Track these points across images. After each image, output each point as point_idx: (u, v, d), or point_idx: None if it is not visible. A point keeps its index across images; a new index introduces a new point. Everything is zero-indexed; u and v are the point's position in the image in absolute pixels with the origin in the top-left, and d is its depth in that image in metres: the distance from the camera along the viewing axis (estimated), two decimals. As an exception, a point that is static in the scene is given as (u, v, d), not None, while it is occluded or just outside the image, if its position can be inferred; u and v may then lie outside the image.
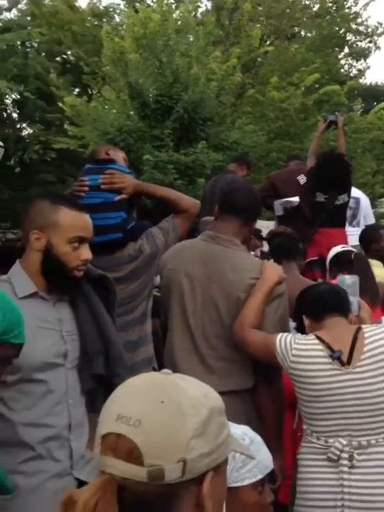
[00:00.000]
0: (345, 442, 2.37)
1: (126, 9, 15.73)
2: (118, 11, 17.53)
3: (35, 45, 16.49)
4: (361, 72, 19.37)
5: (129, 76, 10.74)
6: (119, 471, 0.95)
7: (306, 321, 2.62)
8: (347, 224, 5.50)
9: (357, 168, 10.96)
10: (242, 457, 1.65)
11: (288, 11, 16.30)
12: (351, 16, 17.28)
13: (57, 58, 17.06)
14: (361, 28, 18.56)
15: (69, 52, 16.76)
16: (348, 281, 2.91)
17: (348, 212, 5.59)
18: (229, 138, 10.57)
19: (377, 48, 18.99)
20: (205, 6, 16.59)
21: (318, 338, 2.48)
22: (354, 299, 2.82)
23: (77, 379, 2.18)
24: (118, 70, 11.24)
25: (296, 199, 5.57)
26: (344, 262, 3.77)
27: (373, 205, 6.79)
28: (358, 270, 3.36)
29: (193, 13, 13.89)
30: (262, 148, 11.63)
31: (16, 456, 2.05)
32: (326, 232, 5.15)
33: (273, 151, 12.19)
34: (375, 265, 4.01)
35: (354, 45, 18.96)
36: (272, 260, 3.52)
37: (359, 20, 17.87)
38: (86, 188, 2.84)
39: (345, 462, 2.36)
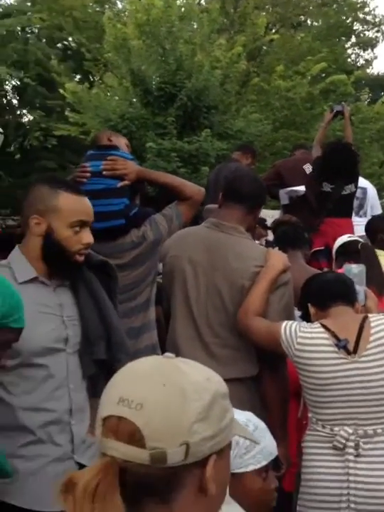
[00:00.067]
0: (351, 431, 2.39)
1: (128, -5, 15.68)
2: (120, -4, 17.48)
3: (36, 30, 16.44)
4: (368, 62, 19.38)
5: (131, 63, 10.72)
6: (120, 454, 0.95)
7: (312, 310, 2.62)
8: (354, 214, 5.50)
9: (364, 159, 10.94)
10: (246, 443, 1.66)
11: (294, -1, 16.28)
12: (358, 5, 17.29)
13: (59, 44, 17.02)
14: (369, 18, 18.57)
15: (70, 39, 16.72)
16: (355, 270, 2.91)
17: (355, 203, 5.59)
18: (233, 126, 10.57)
19: (385, 37, 18.98)
20: (210, -7, 16.52)
21: (324, 326, 2.49)
22: (361, 288, 2.82)
23: (79, 364, 2.19)
24: (120, 56, 11.22)
25: (301, 188, 5.57)
26: (351, 252, 3.78)
27: (381, 196, 6.78)
28: (364, 260, 3.36)
29: (197, 0, 13.85)
30: (268, 138, 11.63)
31: (16, 440, 2.06)
32: (332, 222, 5.16)
33: (278, 141, 12.19)
34: (382, 255, 4.00)
35: (361, 35, 18.95)
36: (276, 249, 3.51)
37: (366, 9, 17.88)
38: (88, 174, 2.84)
39: (351, 451, 2.37)
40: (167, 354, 1.06)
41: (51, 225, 2.10)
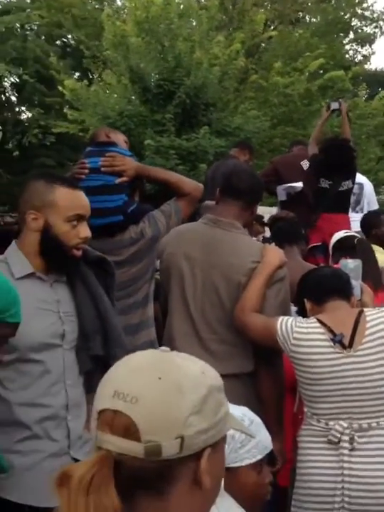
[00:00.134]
0: (345, 425, 2.39)
1: (127, -8, 15.63)
2: (119, -6, 17.43)
3: (35, 27, 16.40)
4: (366, 58, 19.33)
5: (130, 60, 10.70)
6: (115, 447, 0.95)
7: (308, 305, 2.62)
8: (350, 210, 5.51)
9: (361, 155, 10.95)
10: (241, 438, 1.67)
11: (292, -5, 16.23)
12: (356, 1, 17.21)
13: (57, 41, 16.98)
14: (367, 13, 18.51)
15: (69, 36, 16.68)
16: (351, 265, 2.92)
17: (352, 198, 5.60)
18: (232, 123, 10.55)
19: (383, 33, 18.94)
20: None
21: (320, 321, 2.49)
22: (357, 283, 2.83)
23: (75, 360, 2.19)
24: (119, 53, 11.20)
25: (299, 184, 5.57)
26: (347, 248, 3.78)
27: (377, 192, 6.78)
28: (360, 255, 3.36)
29: (196, -3, 13.83)
30: (265, 134, 11.60)
31: (12, 435, 2.06)
32: (329, 218, 5.16)
33: (276, 137, 12.17)
34: (378, 251, 4.01)
35: (359, 31, 18.89)
36: (273, 244, 3.51)
37: (364, 5, 17.81)
38: (86, 171, 2.84)
39: (346, 445, 2.37)
40: (163, 348, 1.06)
41: (48, 220, 2.10)
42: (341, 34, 17.49)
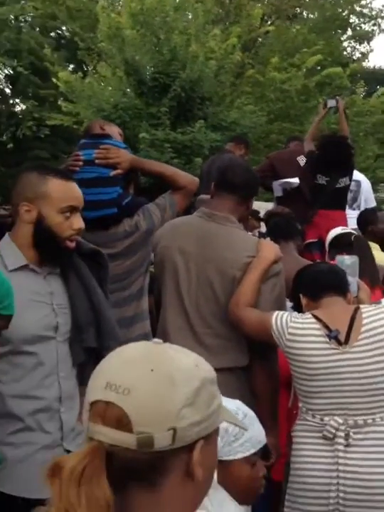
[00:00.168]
0: (341, 421, 2.40)
1: (122, -16, 15.60)
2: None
3: (29, 19, 16.34)
4: (364, 55, 19.35)
5: (125, 52, 10.69)
6: (107, 438, 0.96)
7: (304, 300, 2.62)
8: (347, 207, 5.53)
9: (359, 152, 10.96)
10: (235, 431, 1.68)
11: (290, -10, 16.24)
12: (355, -2, 17.22)
13: (52, 33, 16.94)
14: (365, 11, 18.53)
15: (64, 28, 16.64)
16: (347, 261, 2.91)
17: (349, 195, 5.63)
18: (227, 118, 10.55)
19: (381, 30, 18.99)
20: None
21: (315, 316, 2.49)
22: (353, 280, 2.83)
23: (69, 352, 2.20)
24: (114, 46, 11.18)
25: (295, 180, 5.58)
26: (343, 244, 3.78)
27: (375, 190, 6.80)
28: (357, 252, 3.36)
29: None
30: (262, 130, 11.61)
31: (5, 427, 2.07)
32: (326, 214, 5.18)
33: (273, 133, 12.19)
34: (375, 248, 4.02)
35: (357, 28, 18.92)
36: (268, 239, 3.51)
37: (363, 2, 17.84)
38: (80, 163, 2.85)
39: (341, 441, 2.38)
40: (155, 340, 1.06)
41: (41, 212, 2.11)
42: (339, 31, 17.51)
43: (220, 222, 2.77)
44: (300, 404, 2.54)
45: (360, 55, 19.18)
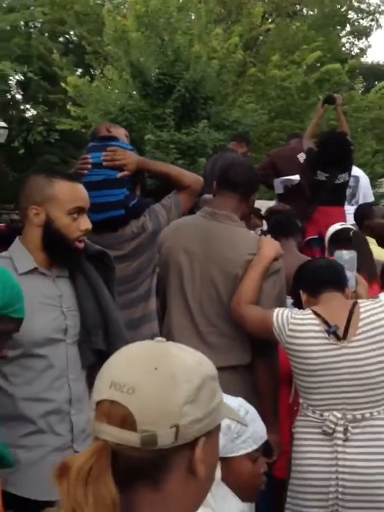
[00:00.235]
0: (339, 415, 2.38)
1: (127, -13, 15.53)
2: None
3: (38, 25, 16.32)
4: (363, 51, 19.22)
5: (130, 55, 10.66)
6: (113, 437, 0.96)
7: (303, 296, 2.61)
8: (346, 203, 5.49)
9: (357, 148, 10.86)
10: (237, 428, 1.67)
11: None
12: (353, -7, 17.10)
13: (60, 38, 16.90)
14: (363, 6, 18.40)
15: (72, 32, 16.60)
16: (346, 256, 2.91)
17: (348, 191, 5.58)
18: (230, 117, 10.50)
19: (379, 26, 18.90)
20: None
21: (315, 312, 2.48)
22: (351, 274, 2.81)
23: (78, 354, 2.18)
24: (120, 48, 11.15)
25: (296, 177, 5.55)
26: (342, 240, 3.76)
27: (373, 185, 6.76)
28: (356, 247, 3.35)
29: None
30: (263, 128, 11.56)
31: (17, 430, 2.06)
32: (326, 211, 5.14)
33: (274, 131, 12.13)
34: (373, 243, 4.01)
35: (356, 24, 18.80)
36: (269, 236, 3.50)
37: (361, -3, 17.72)
38: (89, 166, 2.83)
39: (340, 435, 2.37)
40: (158, 338, 1.06)
41: (50, 214, 2.09)
42: (338, 27, 17.40)
43: (222, 221, 2.75)
44: (301, 400, 2.52)
45: (358, 51, 19.07)
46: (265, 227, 5.49)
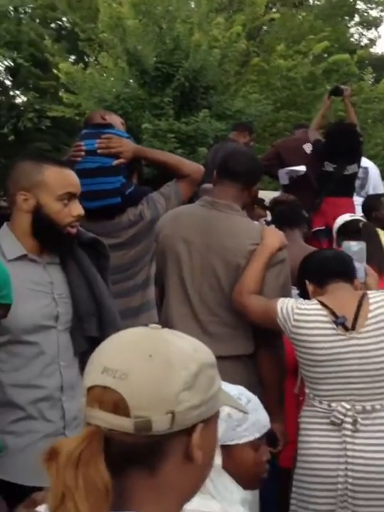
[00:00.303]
0: (348, 406, 2.41)
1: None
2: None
3: (29, 10, 16.34)
4: (372, 42, 19.27)
5: (127, 42, 10.67)
6: (105, 423, 0.96)
7: (310, 287, 2.63)
8: (355, 194, 5.53)
9: (367, 140, 10.89)
10: (238, 416, 1.68)
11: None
12: (362, -17, 17.15)
13: (52, 24, 16.93)
14: (372, -3, 18.45)
15: (64, 19, 16.62)
16: (354, 247, 2.91)
17: (357, 183, 5.62)
18: (232, 107, 10.51)
19: (389, 16, 18.89)
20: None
21: (321, 303, 2.50)
22: (361, 265, 2.83)
23: (70, 341, 2.21)
24: (115, 36, 11.16)
25: (301, 168, 5.58)
26: (351, 231, 3.80)
27: (383, 177, 6.78)
28: (365, 238, 3.37)
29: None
30: (268, 118, 11.58)
31: (6, 416, 2.09)
32: (333, 202, 5.19)
33: (280, 121, 12.14)
34: (383, 234, 4.01)
35: (365, 14, 18.85)
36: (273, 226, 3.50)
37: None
38: (82, 153, 2.87)
39: (349, 426, 2.39)
40: (153, 325, 1.06)
41: (39, 200, 2.11)
42: (346, 17, 17.44)
43: (222, 210, 2.76)
44: (307, 391, 2.55)
45: (367, 42, 19.12)
46: (269, 217, 5.51)
